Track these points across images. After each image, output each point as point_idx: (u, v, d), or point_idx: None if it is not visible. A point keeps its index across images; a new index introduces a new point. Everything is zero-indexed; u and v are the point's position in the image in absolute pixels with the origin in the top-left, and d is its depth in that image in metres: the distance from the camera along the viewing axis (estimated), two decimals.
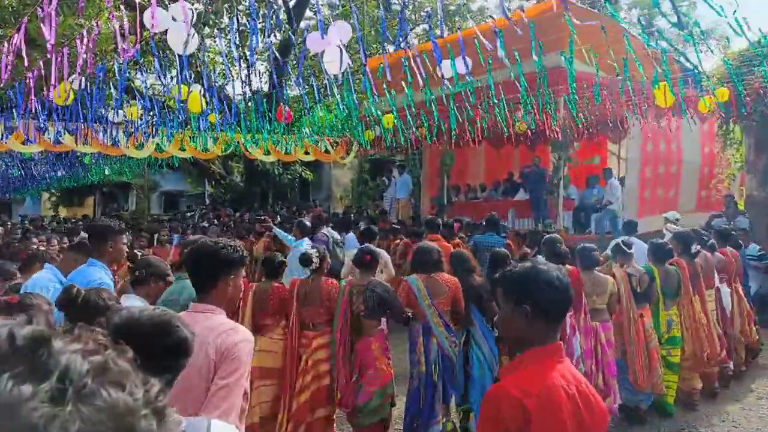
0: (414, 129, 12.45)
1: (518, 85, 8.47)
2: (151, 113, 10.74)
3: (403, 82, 7.25)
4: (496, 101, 9.82)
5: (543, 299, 2.04)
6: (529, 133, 11.94)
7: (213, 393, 2.41)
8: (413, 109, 10.53)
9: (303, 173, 24.00)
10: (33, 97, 6.86)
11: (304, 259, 5.60)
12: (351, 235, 11.51)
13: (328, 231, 10.22)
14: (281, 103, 10.35)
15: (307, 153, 16.31)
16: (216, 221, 18.69)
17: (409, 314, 5.49)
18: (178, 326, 1.86)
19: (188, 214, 22.78)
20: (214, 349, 2.48)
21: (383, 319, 5.47)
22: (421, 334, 5.52)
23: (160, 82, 14.60)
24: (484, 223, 9.83)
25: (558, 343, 2.07)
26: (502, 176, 17.04)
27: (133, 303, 3.70)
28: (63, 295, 2.98)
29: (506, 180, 16.70)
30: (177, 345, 1.84)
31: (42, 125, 10.37)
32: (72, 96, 7.88)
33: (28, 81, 6.70)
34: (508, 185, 16.32)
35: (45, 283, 4.54)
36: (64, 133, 11.58)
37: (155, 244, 11.43)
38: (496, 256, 6.23)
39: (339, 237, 10.50)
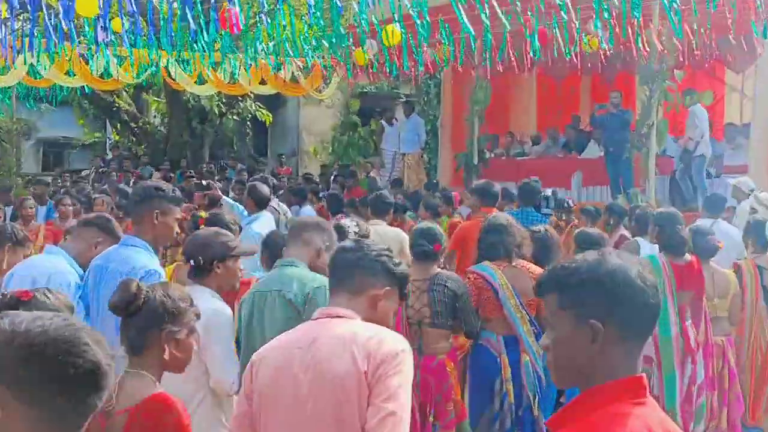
0: (427, 47, 12.41)
1: None
2: (21, 17, 10.68)
3: None
4: (557, 5, 9.81)
5: (621, 311, 2.03)
6: (606, 54, 11.93)
7: (377, 423, 2.75)
8: (427, 17, 10.50)
9: (257, 114, 23.97)
10: None
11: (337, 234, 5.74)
12: (308, 208, 11.60)
13: (277, 205, 10.30)
14: (225, 3, 10.29)
15: (263, 82, 16.28)
16: (124, 185, 18.69)
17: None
18: (87, 344, 1.76)
19: (83, 173, 22.79)
20: (364, 355, 2.83)
21: None
22: (504, 351, 5.63)
23: None
24: (518, 194, 9.90)
25: (639, 377, 2.06)
26: (564, 121, 17.05)
27: (207, 301, 3.98)
28: (119, 294, 3.17)
29: (570, 127, 16.70)
30: (86, 374, 1.76)
31: None
32: None
33: None
34: (573, 136, 16.33)
35: (65, 276, 4.59)
36: None
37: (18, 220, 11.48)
38: (588, 238, 6.25)
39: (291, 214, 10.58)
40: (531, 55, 11.62)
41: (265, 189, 9.19)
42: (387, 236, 7.65)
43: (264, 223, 8.05)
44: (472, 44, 11.75)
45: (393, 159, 18.25)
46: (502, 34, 10.84)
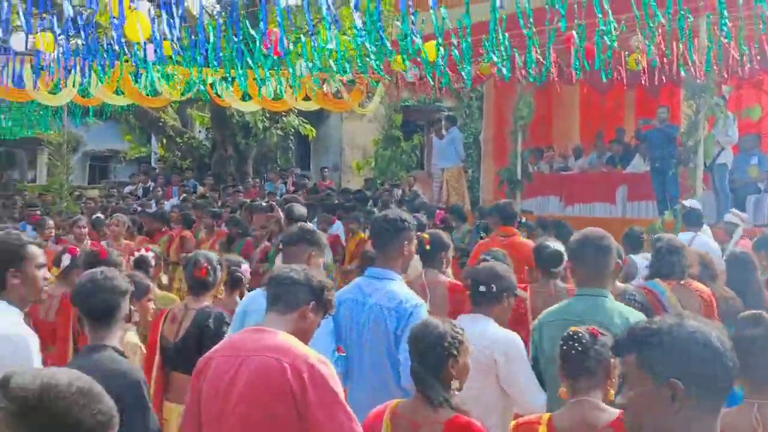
0: (465, 62, 12.39)
1: None
2: (75, 41, 10.89)
3: None
4: (601, 18, 9.77)
5: (701, 373, 2.09)
6: (650, 69, 11.85)
7: None
8: (468, 33, 10.51)
9: (300, 128, 24.13)
10: None
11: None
12: (338, 224, 11.63)
13: None
14: (272, 26, 10.43)
15: (307, 98, 16.41)
16: (173, 200, 18.90)
17: None
18: (101, 393, 1.94)
19: (128, 189, 23.11)
20: None
21: None
22: None
23: None
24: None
25: None
26: (608, 135, 16.95)
27: (497, 329, 4.31)
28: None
29: (614, 141, 16.61)
30: (105, 424, 1.92)
31: None
32: None
33: None
34: (618, 149, 16.23)
35: None
36: None
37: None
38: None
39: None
40: (574, 71, 11.60)
41: (300, 209, 9.00)
42: None
43: None
44: (518, 58, 11.71)
45: (442, 174, 18.04)
46: (545, 49, 10.83)
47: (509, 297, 4.47)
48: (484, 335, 4.36)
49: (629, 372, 2.19)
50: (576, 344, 3.43)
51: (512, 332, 4.32)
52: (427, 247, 5.77)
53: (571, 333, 3.48)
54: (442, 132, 18.12)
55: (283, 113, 22.33)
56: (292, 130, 24.39)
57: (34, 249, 3.97)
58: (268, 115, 22.56)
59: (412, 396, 3.61)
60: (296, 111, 21.95)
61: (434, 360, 3.49)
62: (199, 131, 27.18)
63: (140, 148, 32.58)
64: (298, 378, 3.32)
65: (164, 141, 26.28)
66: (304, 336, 3.56)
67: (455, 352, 3.52)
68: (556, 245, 6.42)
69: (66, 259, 6.35)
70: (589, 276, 4.37)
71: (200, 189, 21.31)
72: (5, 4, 8.87)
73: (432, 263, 6.14)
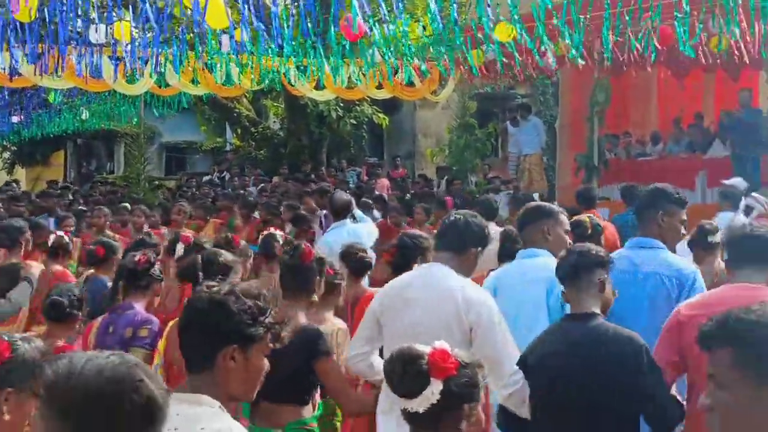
0: (548, 46, 12.28)
1: None
2: (150, 32, 11.07)
3: None
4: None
5: None
6: (729, 51, 11.60)
7: None
8: (542, 16, 10.42)
9: (374, 117, 24.15)
10: None
11: None
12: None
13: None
14: (343, 12, 10.46)
15: (379, 87, 16.43)
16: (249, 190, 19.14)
17: None
18: (141, 380, 1.86)
19: (206, 179, 23.46)
20: None
21: None
22: None
23: None
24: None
25: None
26: (687, 121, 16.64)
27: None
28: None
29: (693, 126, 16.30)
30: (142, 408, 1.85)
31: None
32: (34, 9, 8.25)
33: None
34: (697, 135, 15.93)
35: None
36: (22, 61, 12.06)
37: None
38: None
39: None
40: (650, 53, 11.41)
41: (343, 197, 9.29)
42: None
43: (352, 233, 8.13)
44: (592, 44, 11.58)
45: (518, 161, 18.07)
46: (623, 33, 10.69)
47: None
48: None
49: (720, 370, 1.89)
50: None
51: None
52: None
53: None
54: (518, 119, 18.09)
55: (357, 102, 22.41)
56: (366, 119, 24.45)
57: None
58: (341, 105, 22.65)
59: None
60: (369, 100, 22.01)
61: None
62: (274, 121, 27.42)
63: (216, 139, 33.04)
64: None
65: (239, 131, 26.55)
66: None
67: None
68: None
69: (180, 248, 6.31)
70: None
71: (275, 179, 21.50)
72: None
73: None
